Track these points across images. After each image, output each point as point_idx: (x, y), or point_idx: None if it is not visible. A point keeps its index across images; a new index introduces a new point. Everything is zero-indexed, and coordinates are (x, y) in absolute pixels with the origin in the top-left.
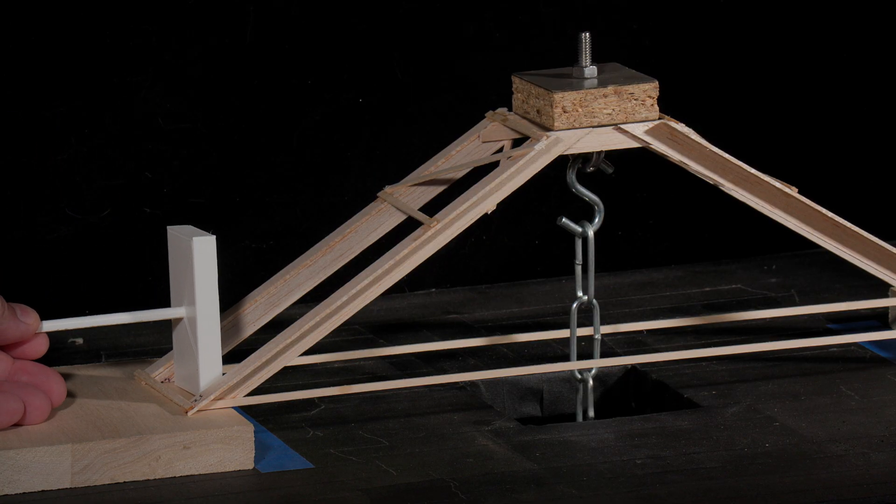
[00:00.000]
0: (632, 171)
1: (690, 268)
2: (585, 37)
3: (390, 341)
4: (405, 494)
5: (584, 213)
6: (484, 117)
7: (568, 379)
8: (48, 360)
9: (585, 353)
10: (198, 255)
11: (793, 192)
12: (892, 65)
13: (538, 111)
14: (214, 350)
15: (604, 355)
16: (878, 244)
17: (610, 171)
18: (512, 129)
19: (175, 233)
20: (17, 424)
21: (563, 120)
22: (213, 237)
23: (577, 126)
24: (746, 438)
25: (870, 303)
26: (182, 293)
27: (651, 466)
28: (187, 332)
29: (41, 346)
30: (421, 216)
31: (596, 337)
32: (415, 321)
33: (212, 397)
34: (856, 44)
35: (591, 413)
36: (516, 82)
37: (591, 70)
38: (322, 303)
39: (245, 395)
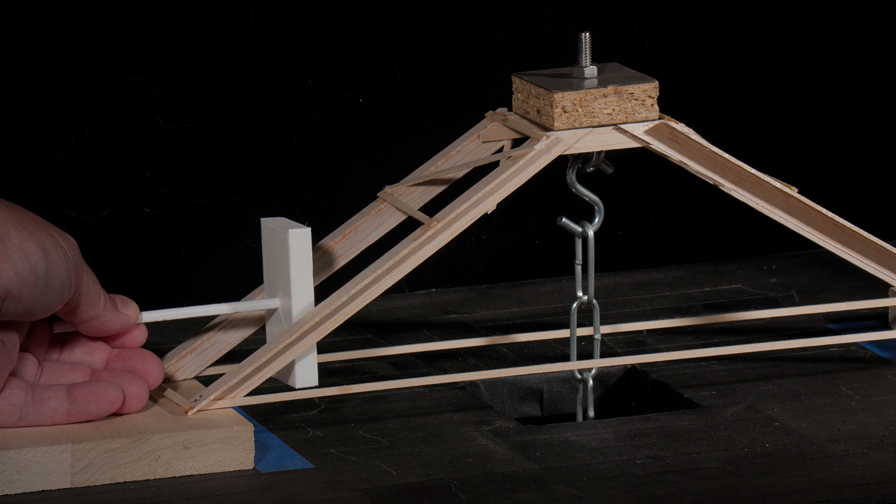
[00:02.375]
0: (632, 171)
1: (690, 268)
2: (585, 37)
3: (390, 341)
4: (405, 494)
5: (584, 213)
6: (484, 117)
7: (568, 379)
8: None
9: (585, 353)
10: (293, 246)
11: (793, 192)
12: (892, 65)
13: (538, 111)
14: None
15: (604, 355)
16: (878, 244)
17: (610, 171)
18: (512, 129)
19: (270, 224)
20: (116, 413)
21: (563, 120)
22: (308, 229)
23: (577, 126)
24: (746, 438)
25: (870, 303)
26: (276, 284)
27: (651, 466)
28: (282, 323)
29: (140, 338)
30: (421, 216)
31: (596, 337)
32: (415, 321)
33: (212, 397)
34: (856, 44)
35: (591, 413)
36: (516, 82)
37: (591, 70)
38: (322, 303)
39: (245, 395)
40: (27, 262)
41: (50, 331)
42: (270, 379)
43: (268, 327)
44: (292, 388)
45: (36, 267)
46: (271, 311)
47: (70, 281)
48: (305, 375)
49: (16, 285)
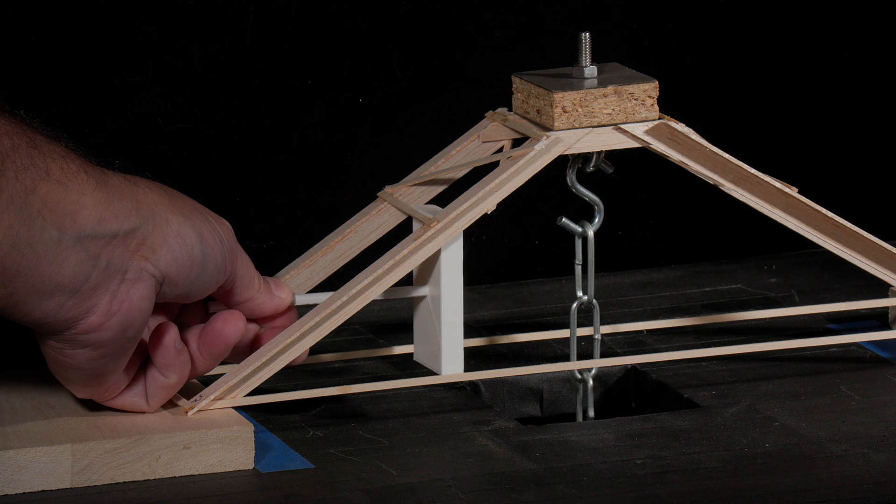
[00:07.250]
0: (632, 171)
1: (690, 268)
2: (585, 37)
3: (390, 341)
4: (405, 494)
5: (584, 213)
6: (484, 117)
7: (568, 379)
8: None
9: (585, 353)
10: None
11: (793, 192)
12: (892, 65)
13: (538, 111)
14: (457, 329)
15: (604, 355)
16: (878, 244)
17: (610, 171)
18: (512, 129)
19: (421, 211)
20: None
21: (563, 120)
22: None
23: (577, 126)
24: (746, 438)
25: (870, 303)
26: (426, 272)
27: (651, 466)
28: (430, 310)
29: (290, 321)
30: (421, 216)
31: (596, 337)
32: None
33: (212, 397)
34: (856, 44)
35: (591, 413)
36: (516, 82)
37: (591, 70)
38: (322, 303)
39: (245, 395)
40: (184, 248)
41: (202, 311)
42: (270, 379)
43: (416, 315)
44: (299, 388)
45: (192, 252)
46: (419, 300)
47: (225, 265)
48: (451, 364)
49: (173, 270)
